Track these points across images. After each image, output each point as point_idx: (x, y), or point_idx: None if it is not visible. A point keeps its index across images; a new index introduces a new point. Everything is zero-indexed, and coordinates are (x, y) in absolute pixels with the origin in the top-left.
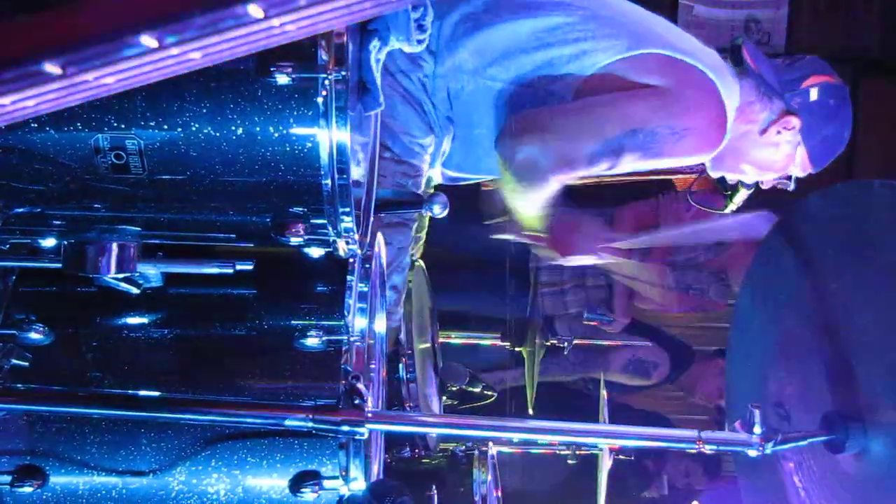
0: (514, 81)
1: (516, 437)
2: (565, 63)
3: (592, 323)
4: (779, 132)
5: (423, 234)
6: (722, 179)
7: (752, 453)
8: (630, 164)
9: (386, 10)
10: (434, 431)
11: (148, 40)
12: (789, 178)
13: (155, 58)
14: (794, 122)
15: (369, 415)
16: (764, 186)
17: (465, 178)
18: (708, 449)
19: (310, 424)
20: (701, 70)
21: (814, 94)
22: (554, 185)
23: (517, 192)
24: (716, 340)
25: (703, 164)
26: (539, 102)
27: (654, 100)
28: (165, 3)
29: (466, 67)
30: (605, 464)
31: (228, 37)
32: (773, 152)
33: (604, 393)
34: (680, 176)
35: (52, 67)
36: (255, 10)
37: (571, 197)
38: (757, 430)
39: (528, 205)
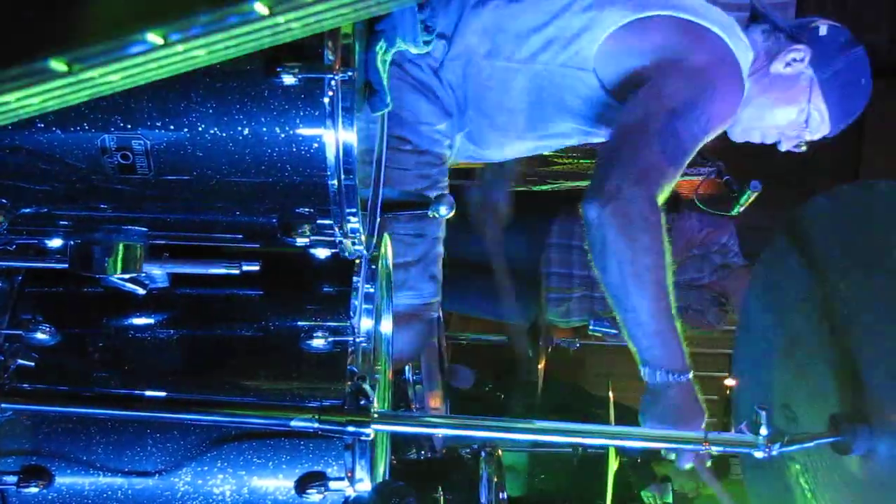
0: (528, 61)
1: (522, 437)
2: (576, 35)
3: (597, 334)
4: (788, 64)
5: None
6: (729, 181)
7: (759, 455)
8: (697, 141)
9: (390, 7)
10: (439, 432)
11: (153, 37)
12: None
13: (160, 55)
14: (802, 49)
15: (375, 415)
16: (782, 147)
17: (477, 159)
18: (714, 450)
19: (315, 425)
20: (709, 29)
21: (823, 30)
22: (652, 206)
23: (629, 243)
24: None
25: (707, 168)
26: (556, 80)
27: (673, 76)
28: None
29: (479, 51)
30: (612, 465)
31: (234, 34)
32: (787, 90)
33: (611, 394)
34: (685, 178)
35: (57, 64)
36: (260, 7)
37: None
38: (763, 431)
39: (645, 253)
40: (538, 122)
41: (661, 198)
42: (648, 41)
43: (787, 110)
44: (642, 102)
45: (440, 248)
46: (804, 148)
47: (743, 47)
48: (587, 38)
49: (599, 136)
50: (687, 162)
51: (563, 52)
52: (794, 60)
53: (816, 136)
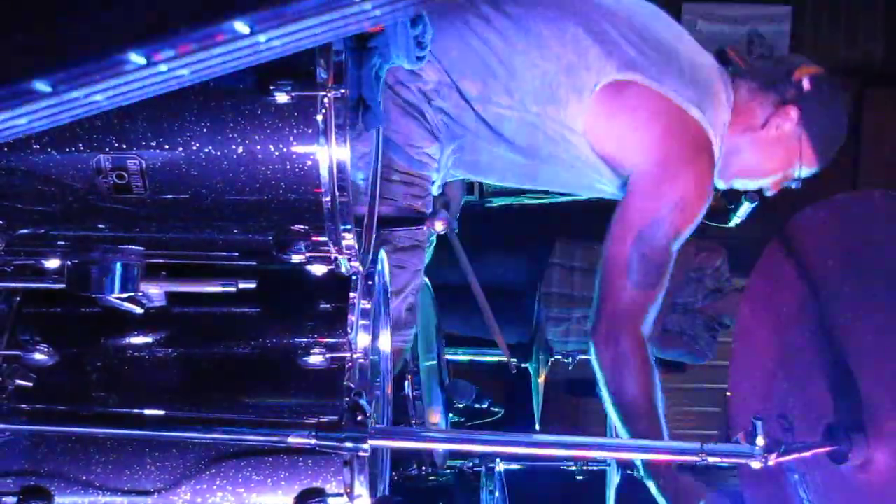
0: (519, 109)
1: (522, 451)
2: (566, 94)
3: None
4: (779, 126)
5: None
6: (725, 193)
7: (756, 465)
8: (668, 252)
9: (368, 25)
10: (438, 447)
11: (136, 58)
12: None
13: (143, 74)
14: (793, 112)
15: (372, 431)
16: (769, 193)
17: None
18: (711, 460)
19: (313, 441)
20: (687, 112)
21: (806, 84)
22: (634, 342)
23: (615, 378)
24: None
25: None
26: (550, 133)
27: (640, 183)
28: (152, 20)
29: (470, 95)
30: (614, 479)
31: (215, 53)
32: (777, 148)
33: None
34: None
35: (42, 86)
36: (241, 27)
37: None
38: (760, 441)
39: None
40: (531, 168)
41: (649, 320)
42: (620, 110)
43: (777, 166)
44: (611, 231)
45: (420, 280)
46: (796, 185)
47: (721, 111)
48: (575, 96)
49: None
50: (667, 272)
51: (552, 105)
52: (785, 121)
53: (805, 176)
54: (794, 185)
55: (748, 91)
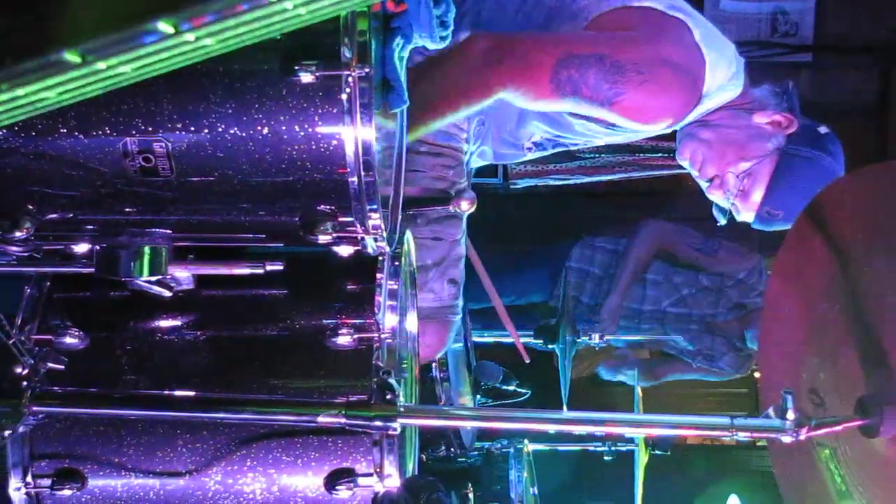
0: None
1: (549, 428)
2: (563, 23)
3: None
4: (770, 122)
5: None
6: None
7: (787, 440)
8: (591, 95)
9: None
10: (466, 424)
11: (164, 26)
12: (723, 211)
13: (171, 44)
14: (791, 119)
15: (401, 409)
16: (707, 190)
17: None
18: (741, 436)
19: (343, 420)
20: (692, 33)
21: (822, 129)
22: (498, 88)
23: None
24: None
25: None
26: None
27: (630, 40)
28: None
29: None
30: (643, 459)
31: (242, 21)
32: (750, 140)
33: (639, 390)
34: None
35: (71, 56)
36: None
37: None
38: (790, 415)
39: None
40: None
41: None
42: (630, 28)
43: (737, 155)
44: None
45: (460, 250)
46: (722, 221)
47: (719, 67)
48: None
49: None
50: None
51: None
52: (778, 124)
53: (740, 209)
54: (719, 222)
55: (771, 92)
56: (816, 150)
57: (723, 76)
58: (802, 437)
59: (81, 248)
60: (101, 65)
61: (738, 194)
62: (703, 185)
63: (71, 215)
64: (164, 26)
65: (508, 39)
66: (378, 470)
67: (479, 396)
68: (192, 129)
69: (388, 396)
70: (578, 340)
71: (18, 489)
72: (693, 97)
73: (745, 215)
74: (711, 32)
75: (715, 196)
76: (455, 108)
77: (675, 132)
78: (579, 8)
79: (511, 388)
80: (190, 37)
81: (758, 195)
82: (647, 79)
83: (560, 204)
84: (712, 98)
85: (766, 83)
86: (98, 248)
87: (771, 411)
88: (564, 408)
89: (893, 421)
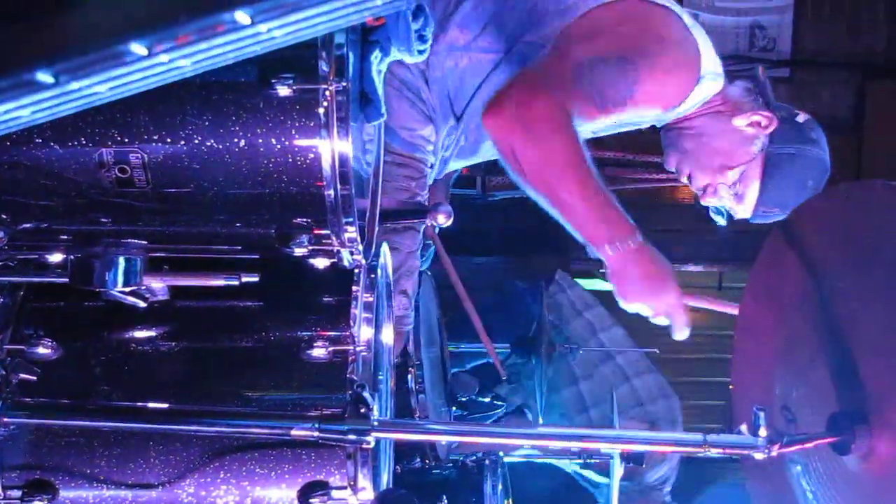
0: (503, 49)
1: (524, 443)
2: (550, 17)
3: None
4: (750, 124)
5: (431, 242)
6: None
7: (759, 456)
8: (606, 94)
9: (370, 16)
10: (440, 439)
11: (137, 48)
12: (721, 212)
13: (145, 65)
14: (770, 116)
15: (375, 423)
16: (701, 199)
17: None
18: (714, 452)
19: (316, 433)
20: (679, 19)
21: (801, 118)
22: (554, 108)
23: (529, 152)
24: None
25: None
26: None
27: (624, 34)
28: (153, 10)
29: (458, 44)
30: (618, 471)
31: (217, 43)
32: (735, 146)
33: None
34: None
35: (44, 76)
36: (241, 17)
37: None
38: (762, 432)
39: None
40: None
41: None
42: (616, 24)
43: (723, 164)
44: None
45: (415, 262)
46: (722, 222)
47: (712, 54)
48: (559, 19)
49: None
50: (609, 108)
51: (534, 33)
52: (758, 124)
53: (737, 210)
54: (720, 219)
55: (744, 89)
56: (799, 144)
57: (712, 63)
58: (774, 453)
59: (56, 257)
60: (75, 85)
61: (733, 198)
62: (697, 192)
63: (46, 225)
64: (138, 48)
65: (518, 98)
66: (352, 483)
67: (454, 409)
68: (169, 140)
69: (363, 410)
70: (554, 353)
71: None
72: (696, 73)
73: (743, 214)
74: (696, 23)
75: (710, 202)
76: (565, 178)
77: (658, 146)
78: (566, 7)
79: (487, 400)
80: (164, 58)
81: (752, 196)
82: (655, 61)
83: (539, 216)
84: (702, 85)
85: (738, 80)
86: (72, 258)
87: (743, 428)
88: (541, 419)
89: (864, 439)
